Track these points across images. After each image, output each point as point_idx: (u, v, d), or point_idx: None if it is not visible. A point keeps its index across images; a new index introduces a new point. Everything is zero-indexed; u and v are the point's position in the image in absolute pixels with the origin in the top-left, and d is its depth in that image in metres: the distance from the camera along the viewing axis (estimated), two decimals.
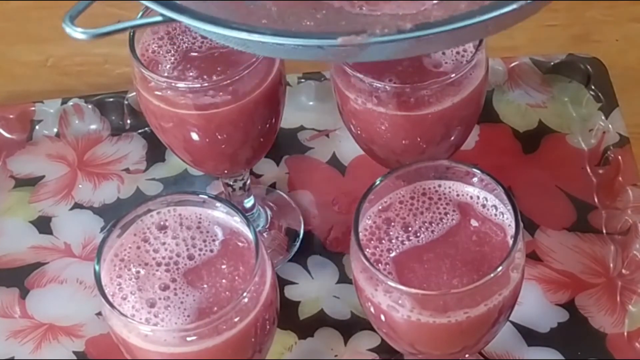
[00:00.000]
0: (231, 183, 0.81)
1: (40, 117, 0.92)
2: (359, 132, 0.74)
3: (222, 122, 0.71)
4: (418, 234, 0.64)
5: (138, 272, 0.64)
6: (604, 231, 0.82)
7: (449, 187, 0.66)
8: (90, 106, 0.92)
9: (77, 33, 0.56)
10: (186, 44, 0.73)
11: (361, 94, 0.70)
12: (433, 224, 0.65)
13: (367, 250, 0.63)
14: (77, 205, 0.87)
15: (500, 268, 0.59)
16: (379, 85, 0.69)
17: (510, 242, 0.61)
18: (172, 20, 0.55)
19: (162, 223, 0.66)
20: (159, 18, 0.56)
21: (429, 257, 0.63)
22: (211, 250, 0.65)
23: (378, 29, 0.52)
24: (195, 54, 0.72)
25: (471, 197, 0.65)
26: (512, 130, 0.89)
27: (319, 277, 0.81)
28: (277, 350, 0.77)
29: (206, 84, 0.69)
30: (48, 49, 1.00)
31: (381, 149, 0.74)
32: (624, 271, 0.79)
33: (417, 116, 0.69)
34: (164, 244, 0.65)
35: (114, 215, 0.84)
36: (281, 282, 0.79)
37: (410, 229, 0.64)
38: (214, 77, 0.69)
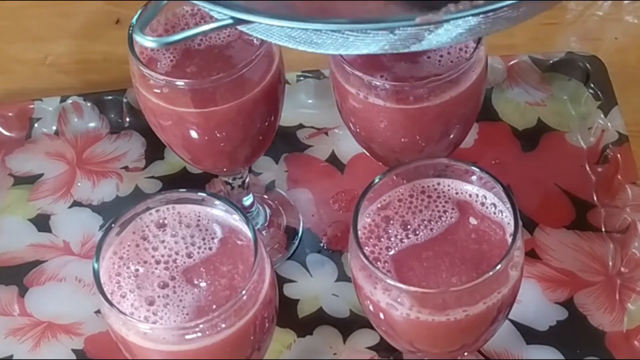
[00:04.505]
0: (230, 181, 0.81)
1: (39, 115, 0.92)
2: (358, 129, 0.74)
3: (221, 120, 0.70)
4: (417, 232, 0.64)
5: (137, 270, 0.64)
6: (603, 229, 0.82)
7: (448, 185, 0.66)
8: (89, 104, 0.91)
9: (147, 42, 0.57)
10: (185, 42, 0.73)
11: (360, 92, 0.70)
12: (432, 222, 0.64)
13: (366, 248, 0.63)
14: (76, 203, 0.87)
15: (499, 266, 0.59)
16: (378, 83, 0.69)
17: (509, 240, 0.61)
18: (244, 22, 0.54)
19: (161, 221, 0.66)
20: (229, 21, 0.56)
21: (428, 255, 0.63)
22: (210, 249, 0.65)
23: (452, 7, 0.53)
24: (194, 51, 0.72)
25: (470, 195, 0.65)
26: (511, 129, 0.89)
27: (318, 275, 0.81)
28: (276, 349, 0.76)
29: (205, 82, 0.68)
30: (47, 47, 1.00)
31: (380, 147, 0.74)
32: (622, 269, 0.79)
33: (416, 113, 0.69)
34: (163, 242, 0.65)
35: (113, 213, 0.84)
36: (280, 280, 0.79)
37: (409, 227, 0.64)
38: (213, 75, 0.69)
